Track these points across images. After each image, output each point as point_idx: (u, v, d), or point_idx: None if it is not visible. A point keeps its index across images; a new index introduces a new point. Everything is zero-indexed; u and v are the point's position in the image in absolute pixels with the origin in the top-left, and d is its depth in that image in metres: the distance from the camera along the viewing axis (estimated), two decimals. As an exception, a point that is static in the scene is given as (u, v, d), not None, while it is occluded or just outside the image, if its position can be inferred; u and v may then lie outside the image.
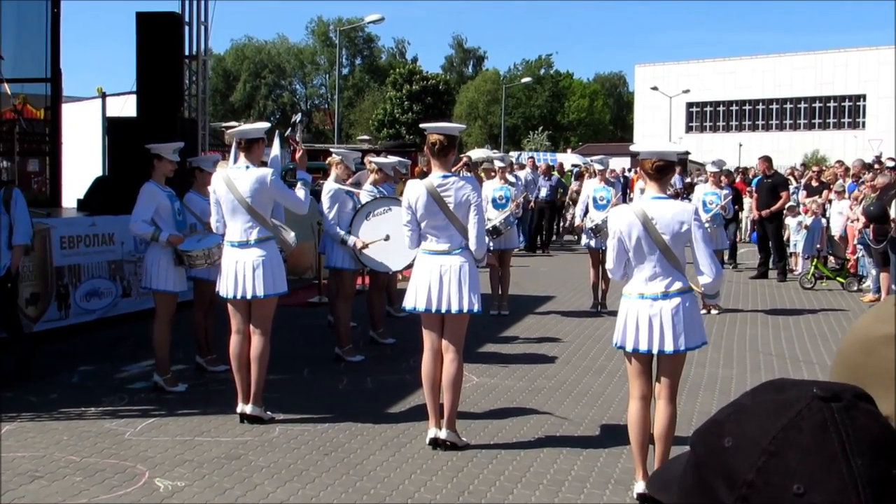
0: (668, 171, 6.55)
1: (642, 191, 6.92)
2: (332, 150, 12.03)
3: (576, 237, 24.54)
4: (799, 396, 1.11)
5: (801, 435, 1.07)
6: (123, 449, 7.54)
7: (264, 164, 8.88)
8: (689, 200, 15.59)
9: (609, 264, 6.68)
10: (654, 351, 6.44)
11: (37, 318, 11.50)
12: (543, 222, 25.45)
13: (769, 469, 1.06)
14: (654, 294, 6.42)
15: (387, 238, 10.21)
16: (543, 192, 24.77)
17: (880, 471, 1.04)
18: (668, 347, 6.37)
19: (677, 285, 6.42)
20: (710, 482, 1.11)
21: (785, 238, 19.85)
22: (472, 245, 7.47)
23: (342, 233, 10.55)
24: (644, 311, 6.43)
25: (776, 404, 1.11)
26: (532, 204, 23.62)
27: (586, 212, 14.69)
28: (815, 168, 26.12)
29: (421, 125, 8.38)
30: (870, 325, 1.59)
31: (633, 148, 7.27)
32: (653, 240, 6.35)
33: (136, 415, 8.54)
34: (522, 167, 25.83)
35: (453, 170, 8.02)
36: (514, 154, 38.80)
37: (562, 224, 28.55)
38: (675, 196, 13.54)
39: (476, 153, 33.99)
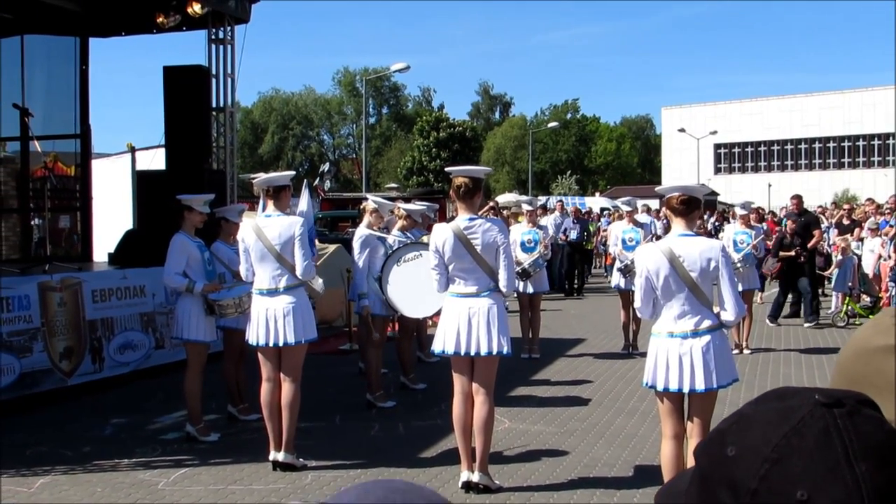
0: (695, 206, 6.55)
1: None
2: (370, 196, 12.03)
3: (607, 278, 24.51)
4: (801, 403, 1.10)
5: (803, 441, 1.06)
6: (157, 499, 7.55)
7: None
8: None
9: (637, 303, 6.68)
10: (686, 390, 6.42)
11: (71, 371, 11.55)
12: (576, 264, 25.39)
13: (772, 477, 1.05)
14: (684, 332, 6.40)
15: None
16: (573, 235, 24.72)
17: (885, 476, 1.04)
18: (700, 386, 6.35)
19: (707, 323, 6.40)
20: (714, 493, 1.11)
21: (828, 273, 19.74)
22: (503, 285, 7.47)
23: (366, 287, 10.68)
24: (674, 350, 6.41)
25: (778, 412, 1.11)
26: (564, 237, 23.71)
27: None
28: (845, 206, 26.00)
29: (446, 168, 8.41)
30: (868, 336, 1.61)
31: (657, 189, 7.27)
32: (680, 277, 6.34)
33: (169, 465, 8.55)
34: (551, 211, 25.85)
35: (480, 214, 8.01)
36: (542, 198, 38.86)
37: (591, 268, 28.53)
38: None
39: (503, 198, 34.01)
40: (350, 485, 1.08)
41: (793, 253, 17.56)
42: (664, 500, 1.27)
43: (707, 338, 6.39)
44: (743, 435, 1.12)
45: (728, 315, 6.46)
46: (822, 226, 21.79)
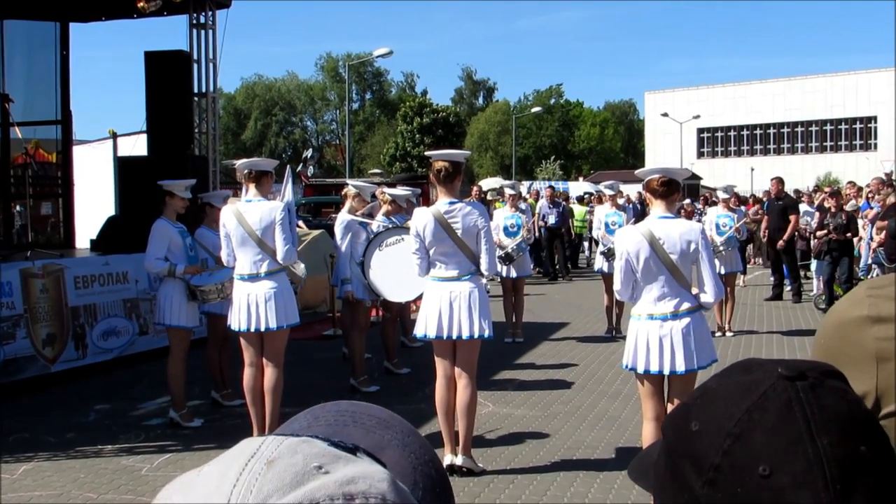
0: (675, 188, 6.57)
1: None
2: (349, 182, 12.06)
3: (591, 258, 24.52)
4: (764, 377, 1.10)
5: (765, 416, 1.06)
6: (141, 485, 7.56)
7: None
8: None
9: (616, 285, 6.69)
10: (666, 371, 6.44)
11: (54, 358, 11.53)
12: (556, 249, 25.35)
13: (735, 452, 1.06)
14: (664, 314, 6.43)
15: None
16: (552, 220, 24.66)
17: (847, 449, 1.04)
18: (681, 367, 6.37)
19: (686, 305, 6.43)
20: (679, 467, 1.11)
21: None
22: (484, 267, 7.47)
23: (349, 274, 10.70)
24: (654, 332, 6.44)
25: (742, 386, 1.11)
26: (542, 222, 23.78)
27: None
28: (826, 189, 26.03)
29: (426, 153, 8.41)
30: (844, 309, 1.63)
31: (637, 172, 7.25)
32: (660, 260, 6.36)
33: (152, 451, 8.55)
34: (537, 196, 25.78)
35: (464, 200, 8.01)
36: (526, 183, 38.81)
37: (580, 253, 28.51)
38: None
39: (488, 182, 33.89)
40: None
41: (824, 231, 17.33)
42: (637, 470, 1.28)
43: (687, 319, 6.41)
44: (707, 409, 1.12)
45: (707, 297, 6.49)
46: (804, 209, 21.80)
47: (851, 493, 1.02)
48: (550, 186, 29.65)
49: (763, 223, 19.88)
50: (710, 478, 1.07)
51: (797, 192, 29.88)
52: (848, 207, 19.48)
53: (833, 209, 17.22)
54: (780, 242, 18.50)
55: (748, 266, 22.67)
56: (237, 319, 8.28)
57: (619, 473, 7.61)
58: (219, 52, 15.96)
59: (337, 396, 10.50)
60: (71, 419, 9.84)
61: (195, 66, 15.71)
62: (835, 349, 1.58)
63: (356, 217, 10.96)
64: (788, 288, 19.26)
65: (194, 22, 15.73)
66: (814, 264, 18.92)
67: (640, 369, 6.51)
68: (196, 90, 15.79)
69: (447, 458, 7.56)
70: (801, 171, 74.81)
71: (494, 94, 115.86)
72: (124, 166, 16.02)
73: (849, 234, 16.92)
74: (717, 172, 78.40)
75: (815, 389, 1.09)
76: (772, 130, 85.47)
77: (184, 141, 15.18)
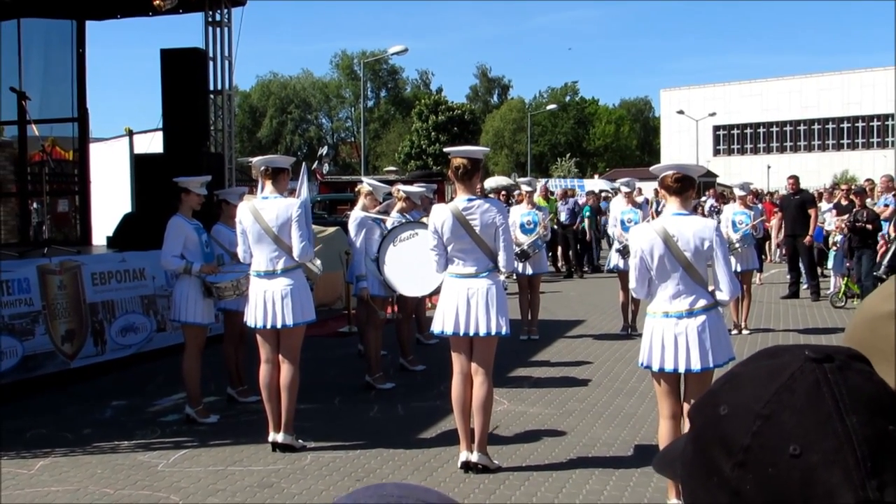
0: (690, 184, 6.54)
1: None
2: (364, 179, 12.07)
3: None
4: (791, 360, 1.11)
5: (794, 397, 1.07)
6: (157, 480, 7.58)
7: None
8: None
9: (632, 283, 6.67)
10: (682, 370, 6.41)
11: (73, 354, 11.56)
12: (570, 246, 25.29)
13: (764, 433, 1.07)
14: (679, 312, 6.40)
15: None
16: (563, 217, 24.59)
17: (876, 428, 1.05)
18: (696, 365, 6.34)
19: (702, 302, 6.40)
20: (708, 452, 1.12)
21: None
22: (502, 264, 7.47)
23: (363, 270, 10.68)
24: (669, 330, 6.41)
25: (769, 369, 1.12)
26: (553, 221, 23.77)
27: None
28: (844, 186, 25.91)
29: (445, 149, 8.40)
30: (875, 303, 1.63)
31: (652, 169, 7.20)
32: (675, 257, 6.34)
33: (168, 447, 8.57)
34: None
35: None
36: (542, 181, 38.73)
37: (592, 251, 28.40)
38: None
39: (491, 182, 33.74)
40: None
41: (844, 219, 17.20)
42: (663, 462, 1.28)
43: (702, 317, 6.38)
44: (734, 393, 1.13)
45: (723, 295, 6.46)
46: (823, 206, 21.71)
47: (882, 471, 1.03)
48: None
49: (777, 220, 19.80)
50: (741, 459, 1.08)
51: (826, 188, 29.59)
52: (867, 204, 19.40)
53: (858, 206, 17.20)
54: (808, 238, 18.45)
55: (763, 263, 22.54)
56: (253, 316, 8.30)
57: (634, 471, 7.61)
58: (234, 49, 16.01)
59: (353, 393, 10.54)
60: (88, 415, 9.88)
61: (211, 63, 15.75)
62: (865, 344, 1.56)
63: (370, 214, 10.95)
64: (805, 286, 19.18)
65: (210, 20, 15.77)
66: (830, 262, 18.86)
67: (656, 367, 6.49)
68: (212, 88, 15.83)
69: (462, 455, 7.57)
70: (818, 169, 74.62)
71: (509, 92, 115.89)
72: (140, 163, 16.08)
73: (869, 226, 16.82)
74: (734, 170, 78.16)
75: (843, 371, 1.09)
76: (788, 128, 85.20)
77: (199, 138, 15.23)
